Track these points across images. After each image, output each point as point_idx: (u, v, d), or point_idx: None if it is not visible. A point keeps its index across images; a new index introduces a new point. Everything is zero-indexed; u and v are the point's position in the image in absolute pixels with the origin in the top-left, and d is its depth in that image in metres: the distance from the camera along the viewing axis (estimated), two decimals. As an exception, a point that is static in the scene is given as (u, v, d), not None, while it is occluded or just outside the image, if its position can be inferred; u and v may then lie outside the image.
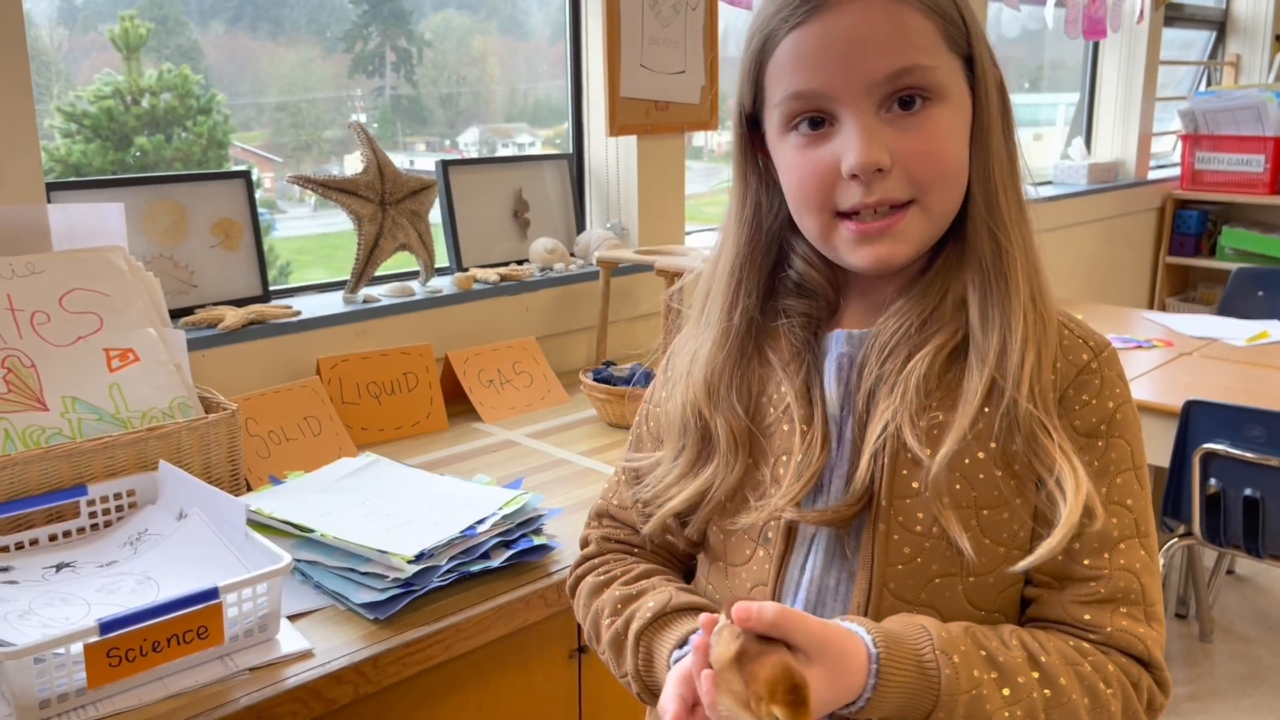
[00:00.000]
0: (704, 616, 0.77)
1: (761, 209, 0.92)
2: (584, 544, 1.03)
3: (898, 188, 0.81)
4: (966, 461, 0.81)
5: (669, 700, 0.79)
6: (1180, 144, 4.47)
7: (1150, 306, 4.56)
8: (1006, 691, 0.77)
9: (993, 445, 0.81)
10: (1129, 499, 0.83)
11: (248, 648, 1.15)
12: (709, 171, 3.17)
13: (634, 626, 0.90)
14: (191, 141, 2.00)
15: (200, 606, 1.10)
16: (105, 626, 1.03)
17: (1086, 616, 0.81)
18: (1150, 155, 4.40)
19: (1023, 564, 0.81)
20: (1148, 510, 0.84)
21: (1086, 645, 0.81)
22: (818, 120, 0.82)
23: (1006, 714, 0.76)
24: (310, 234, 2.41)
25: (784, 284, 0.93)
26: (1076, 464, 0.80)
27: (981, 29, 0.85)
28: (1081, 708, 0.78)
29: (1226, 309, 3.45)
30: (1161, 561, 2.54)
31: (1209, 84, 4.95)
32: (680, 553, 0.98)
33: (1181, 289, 4.70)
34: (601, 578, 0.97)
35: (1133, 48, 4.19)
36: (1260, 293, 3.58)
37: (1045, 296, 0.84)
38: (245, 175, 1.93)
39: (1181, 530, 2.50)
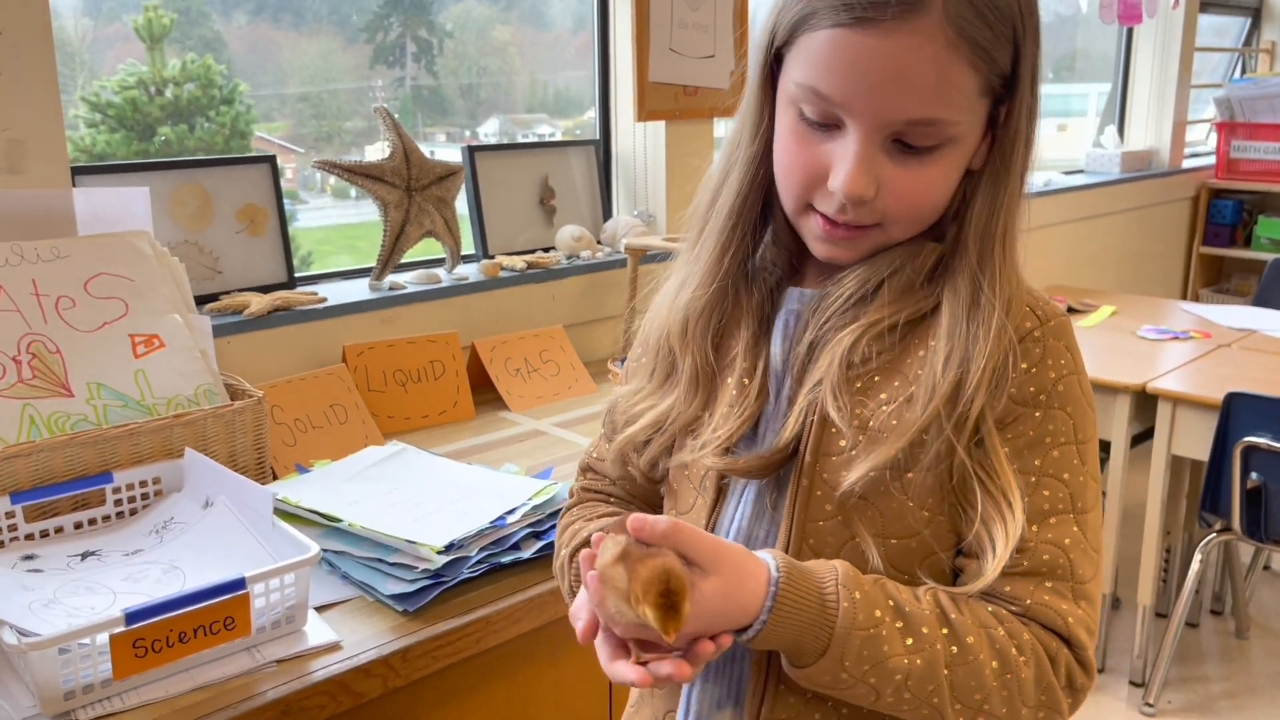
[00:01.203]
0: (597, 534, 0.78)
1: (770, 148, 0.89)
2: (569, 495, 1.08)
3: (869, 216, 0.82)
4: (899, 454, 0.80)
5: (579, 609, 0.81)
6: (1215, 132, 4.39)
7: (1183, 297, 4.48)
8: (909, 641, 0.76)
9: (937, 434, 0.79)
10: (1065, 473, 0.81)
11: (275, 639, 1.13)
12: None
13: (570, 549, 0.96)
14: (214, 131, 2.00)
15: (227, 597, 1.07)
16: (131, 617, 1.01)
17: (1008, 588, 0.80)
18: (1185, 144, 4.33)
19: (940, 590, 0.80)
20: (1088, 488, 0.82)
21: (1005, 613, 0.79)
22: (826, 117, 0.81)
23: (905, 661, 0.75)
24: (332, 224, 2.39)
25: (767, 231, 0.92)
26: (1008, 513, 0.78)
27: (1034, 63, 0.81)
28: (988, 669, 0.76)
29: (1263, 300, 3.38)
30: (1197, 559, 2.50)
31: (1244, 71, 4.86)
32: (642, 491, 1.01)
33: (1215, 280, 4.63)
34: (572, 518, 1.02)
35: (1168, 33, 4.12)
36: (1297, 283, 3.51)
37: (1014, 312, 0.82)
38: (270, 161, 1.90)
39: (1220, 525, 2.45)
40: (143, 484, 1.36)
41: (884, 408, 0.81)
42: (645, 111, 2.27)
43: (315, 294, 1.85)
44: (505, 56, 2.42)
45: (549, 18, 2.49)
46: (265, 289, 1.86)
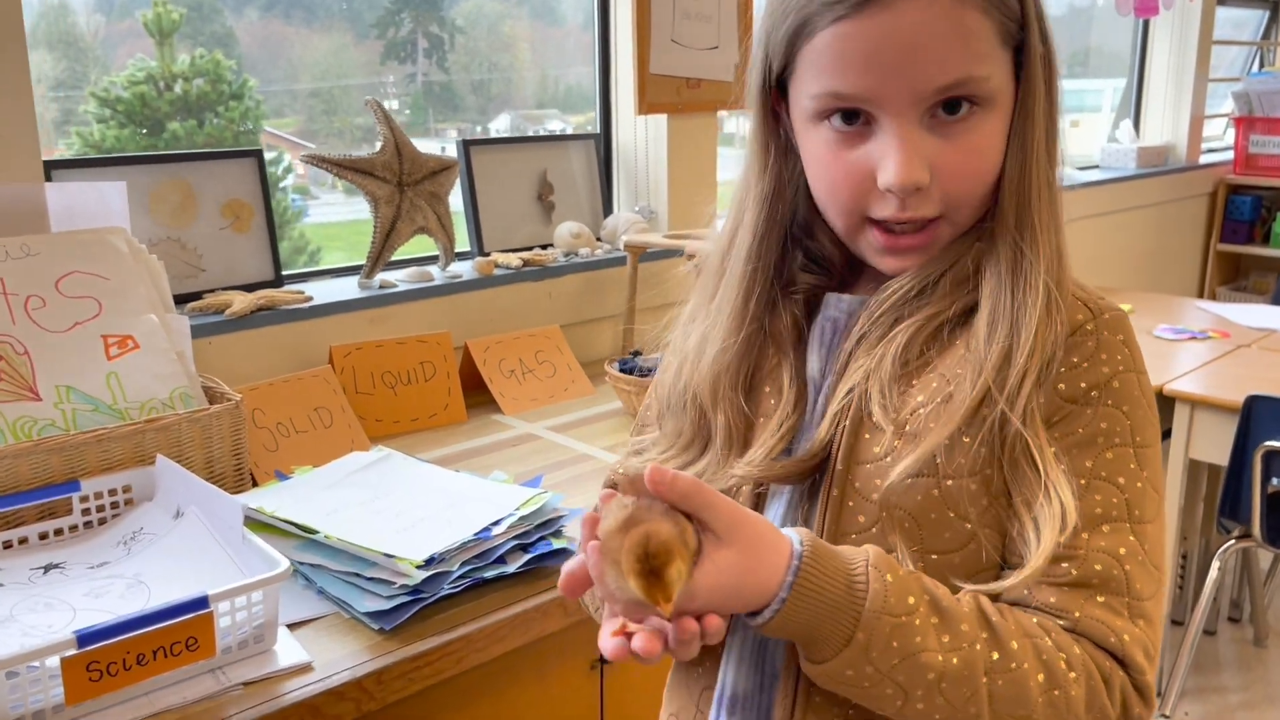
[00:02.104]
0: (605, 492, 0.72)
1: (782, 183, 0.85)
2: (595, 509, 1.01)
3: (931, 205, 0.76)
4: (946, 441, 0.74)
5: (569, 562, 0.74)
6: (1233, 127, 4.30)
7: (1200, 296, 4.39)
8: (946, 638, 0.68)
9: (979, 427, 0.73)
10: (1120, 477, 0.73)
11: (241, 660, 1.07)
12: (740, 159, 3.09)
13: None
14: (223, 127, 1.98)
15: (189, 616, 1.01)
16: (84, 639, 0.95)
17: (1053, 599, 0.72)
18: (1202, 139, 4.24)
19: (978, 586, 0.73)
20: (1148, 497, 0.74)
21: (1052, 625, 0.71)
22: (853, 114, 0.76)
23: (940, 658, 0.67)
24: (344, 220, 2.36)
25: (795, 257, 0.86)
26: (1060, 495, 0.71)
27: (1040, 7, 0.77)
28: (1033, 681, 0.68)
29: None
30: (1215, 566, 2.42)
31: (1262, 65, 4.76)
32: None
33: (1233, 278, 4.53)
34: None
35: (1185, 26, 4.03)
36: (1318, 281, 3.43)
37: (1063, 295, 0.76)
38: (257, 155, 1.84)
39: (1239, 532, 2.38)
40: (112, 493, 1.31)
41: (921, 410, 0.75)
42: (646, 104, 2.20)
43: (301, 293, 1.79)
44: (516, 52, 2.40)
45: (559, 13, 2.46)
46: (250, 288, 1.80)
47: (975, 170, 0.76)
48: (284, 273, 1.90)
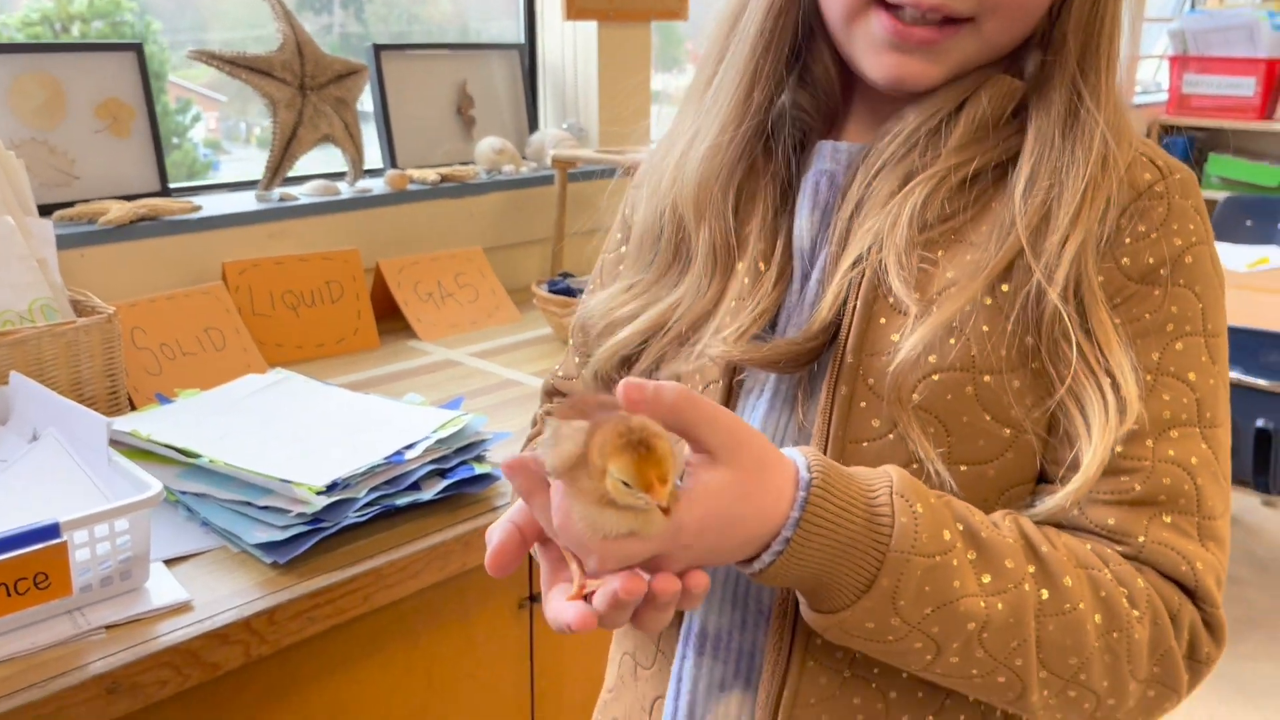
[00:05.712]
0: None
1: None
2: (532, 423, 0.88)
3: (962, 1, 0.61)
4: (968, 309, 0.60)
5: (495, 526, 0.61)
6: (1168, 66, 4.27)
7: (1130, 239, 4.38)
8: (986, 578, 0.55)
9: (1004, 288, 0.61)
10: (1191, 372, 0.61)
11: (105, 600, 0.91)
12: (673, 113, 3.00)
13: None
14: None
15: (37, 547, 0.85)
16: (-99, 574, 0.78)
17: (1111, 521, 0.60)
18: (1135, 81, 4.20)
19: (1029, 514, 0.61)
20: (1219, 395, 0.63)
21: (1111, 554, 0.59)
22: None
23: (982, 603, 0.55)
24: (257, 178, 2.22)
25: (795, 73, 0.71)
26: (1119, 380, 0.59)
27: None
28: (1089, 624, 0.57)
29: (1215, 238, 3.28)
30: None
31: (1194, 4, 4.74)
32: None
33: (1162, 221, 4.53)
34: (534, 448, 0.80)
35: (1120, -38, 3.97)
36: (1249, 221, 3.43)
37: (1121, 151, 0.63)
38: (136, 49, 1.64)
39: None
40: (-44, 415, 1.12)
41: (951, 289, 0.61)
42: (574, 9, 2.03)
43: (190, 203, 1.60)
44: (435, 4, 2.25)
45: (480, -37, 2.29)
46: (133, 199, 1.60)
47: None
48: (173, 185, 1.70)
